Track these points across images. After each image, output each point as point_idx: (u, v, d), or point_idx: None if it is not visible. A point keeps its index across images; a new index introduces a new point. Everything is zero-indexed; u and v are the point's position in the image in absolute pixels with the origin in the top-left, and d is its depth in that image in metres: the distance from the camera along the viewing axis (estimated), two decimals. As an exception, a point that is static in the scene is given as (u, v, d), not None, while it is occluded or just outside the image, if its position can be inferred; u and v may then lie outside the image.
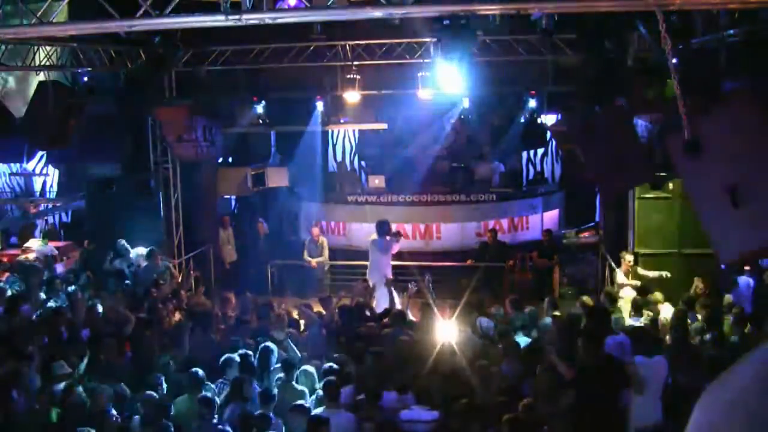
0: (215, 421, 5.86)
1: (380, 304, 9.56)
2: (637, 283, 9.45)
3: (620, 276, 9.94)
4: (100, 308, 8.80)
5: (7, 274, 10.06)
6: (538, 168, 17.31)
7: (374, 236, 11.02)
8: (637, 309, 8.23)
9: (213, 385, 6.69)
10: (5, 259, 11.56)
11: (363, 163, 17.38)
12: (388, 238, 10.92)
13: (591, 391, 5.75)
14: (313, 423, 5.35)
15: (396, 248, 11.06)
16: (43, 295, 9.40)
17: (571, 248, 13.66)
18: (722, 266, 8.37)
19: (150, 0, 6.10)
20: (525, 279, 12.30)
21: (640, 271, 9.85)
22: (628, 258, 10.04)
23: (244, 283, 12.79)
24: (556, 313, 8.36)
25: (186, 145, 11.88)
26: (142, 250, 11.34)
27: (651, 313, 8.09)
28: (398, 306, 9.19)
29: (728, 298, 8.66)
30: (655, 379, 6.15)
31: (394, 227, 11.46)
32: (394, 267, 11.16)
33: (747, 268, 9.10)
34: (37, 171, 16.56)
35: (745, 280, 9.00)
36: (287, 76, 12.63)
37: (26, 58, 9.64)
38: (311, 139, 16.08)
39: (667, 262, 10.28)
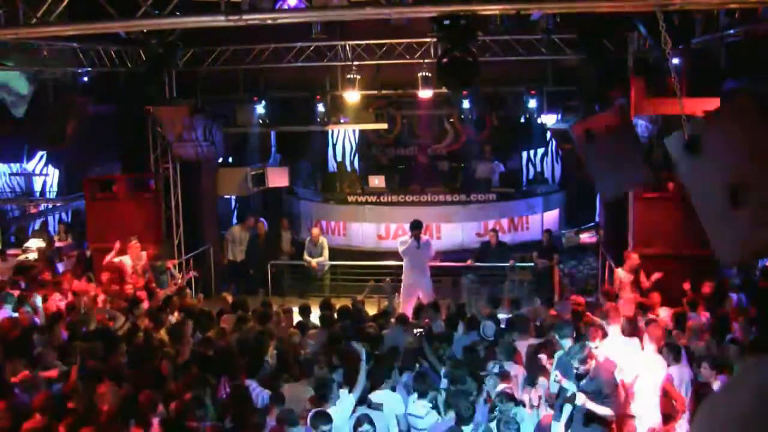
0: None
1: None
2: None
3: (621, 275, 9.89)
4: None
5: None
6: (538, 168, 17.31)
7: (407, 238, 10.51)
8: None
9: None
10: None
11: (363, 163, 17.38)
12: (424, 238, 10.35)
13: None
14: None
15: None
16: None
17: (571, 248, 13.64)
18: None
19: (150, 0, 6.11)
20: (525, 279, 12.27)
21: None
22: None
23: (244, 283, 12.83)
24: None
25: (186, 145, 11.87)
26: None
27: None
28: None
29: (732, 298, 8.63)
30: (655, 377, 6.18)
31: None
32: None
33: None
34: (37, 171, 16.58)
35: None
36: (287, 76, 12.62)
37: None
38: (311, 139, 16.10)
39: (667, 263, 10.25)
